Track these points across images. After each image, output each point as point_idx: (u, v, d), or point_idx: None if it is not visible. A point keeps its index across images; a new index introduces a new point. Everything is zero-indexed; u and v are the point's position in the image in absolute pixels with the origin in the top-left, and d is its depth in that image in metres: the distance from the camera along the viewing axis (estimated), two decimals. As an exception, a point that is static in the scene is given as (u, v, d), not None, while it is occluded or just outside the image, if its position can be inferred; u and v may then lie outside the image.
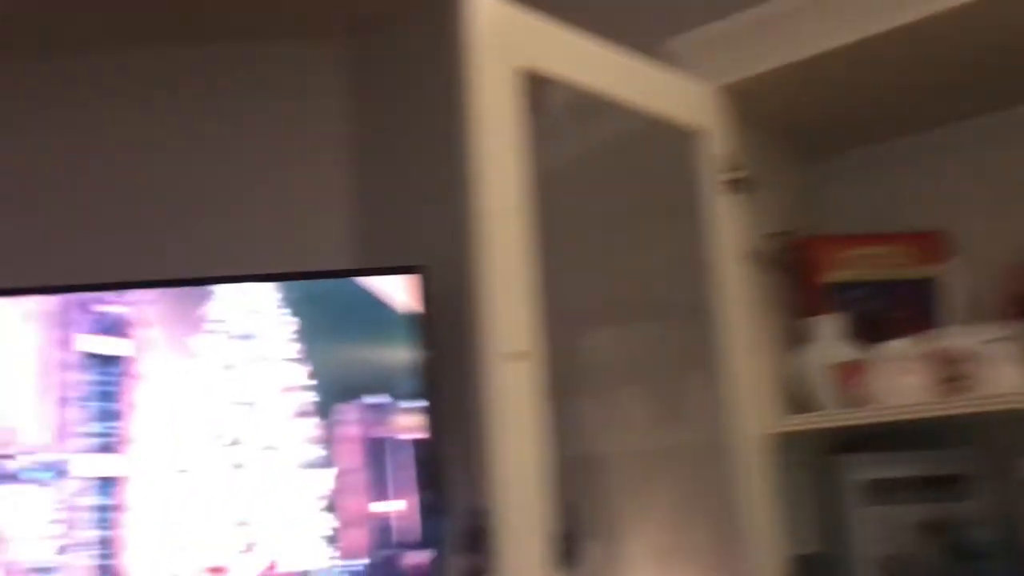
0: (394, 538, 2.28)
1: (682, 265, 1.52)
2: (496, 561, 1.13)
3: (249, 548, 2.24)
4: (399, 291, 2.39)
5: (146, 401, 2.33)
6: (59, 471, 2.30)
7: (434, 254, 2.45)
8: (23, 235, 2.64)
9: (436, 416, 2.34)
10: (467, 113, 1.13)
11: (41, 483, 2.29)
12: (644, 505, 1.76)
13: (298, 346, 2.35)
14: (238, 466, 2.29)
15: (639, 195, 1.56)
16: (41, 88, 2.80)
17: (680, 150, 1.51)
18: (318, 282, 2.42)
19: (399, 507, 2.30)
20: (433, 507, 2.31)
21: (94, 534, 2.26)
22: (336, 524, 2.27)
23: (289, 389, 2.33)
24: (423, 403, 2.32)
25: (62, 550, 2.25)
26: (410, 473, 2.31)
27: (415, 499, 2.30)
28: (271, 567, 2.23)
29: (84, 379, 2.34)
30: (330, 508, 2.27)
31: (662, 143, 1.50)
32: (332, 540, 2.25)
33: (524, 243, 1.16)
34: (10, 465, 2.29)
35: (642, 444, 1.65)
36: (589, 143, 1.53)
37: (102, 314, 2.38)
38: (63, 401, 2.34)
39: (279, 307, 2.38)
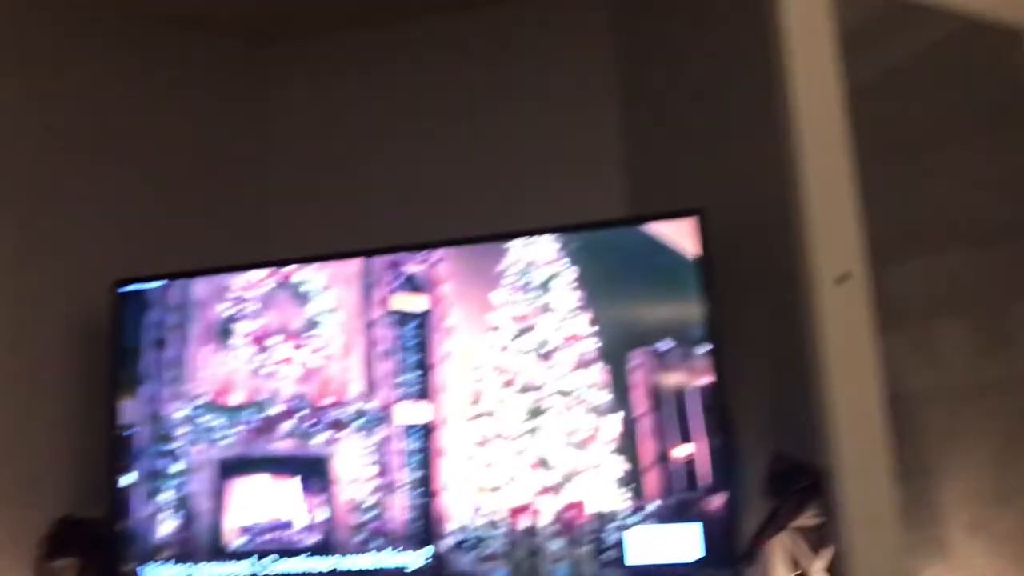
0: (686, 482, 2.29)
1: (1009, 182, 1.39)
2: (833, 503, 1.11)
3: (549, 490, 2.33)
4: (678, 235, 2.38)
5: (450, 353, 2.48)
6: (377, 419, 2.50)
7: (712, 196, 2.42)
8: (342, 202, 2.88)
9: (722, 359, 2.31)
10: (775, 32, 1.10)
11: (362, 430, 2.51)
12: (961, 445, 1.66)
13: (584, 296, 2.41)
14: (535, 412, 2.38)
15: (957, 106, 1.45)
16: (356, 56, 3.02)
17: (1003, 54, 1.37)
18: (599, 232, 2.46)
19: (690, 451, 2.30)
20: (724, 451, 2.29)
21: (410, 476, 2.45)
22: (628, 468, 2.31)
23: (577, 338, 2.39)
24: (709, 347, 2.31)
25: (382, 491, 2.46)
26: (699, 417, 2.31)
27: (706, 443, 2.29)
28: (570, 508, 2.32)
29: (396, 334, 2.54)
30: (622, 452, 2.32)
31: (983, 47, 1.37)
32: (626, 483, 2.30)
33: (844, 160, 1.11)
34: (337, 414, 2.53)
35: (960, 379, 1.55)
36: (902, 53, 1.43)
37: (409, 273, 2.56)
38: (379, 355, 2.54)
39: (563, 258, 2.44)
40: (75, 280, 2.72)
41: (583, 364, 2.36)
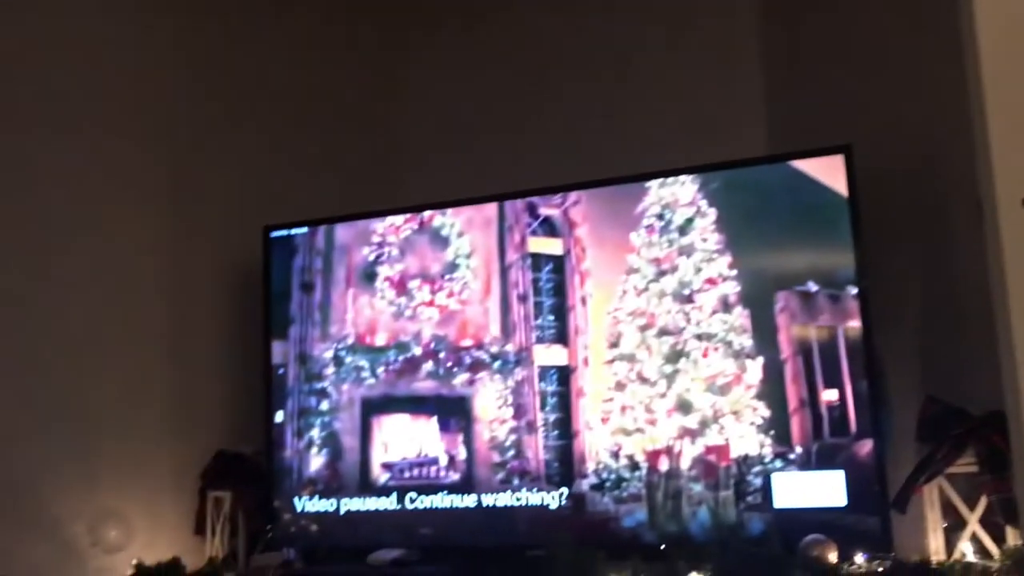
0: (832, 427, 2.21)
1: None
2: (1011, 449, 1.03)
3: (689, 433, 2.29)
4: (825, 173, 2.27)
5: (587, 295, 2.43)
6: (514, 361, 2.51)
7: (860, 132, 2.29)
8: (479, 147, 2.88)
9: (871, 302, 2.20)
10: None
11: (500, 372, 2.52)
12: None
13: (724, 237, 2.33)
14: (674, 355, 2.33)
15: None
16: (495, 2, 3.02)
17: None
18: (740, 170, 2.35)
19: (836, 396, 2.21)
20: (872, 396, 2.19)
21: (548, 418, 2.44)
22: (772, 412, 2.24)
23: (717, 280, 2.32)
24: (857, 289, 2.20)
25: (520, 431, 2.47)
26: (847, 362, 2.21)
27: (853, 388, 2.20)
28: (711, 451, 2.27)
29: (532, 278, 2.50)
30: (766, 396, 2.25)
31: None
32: (769, 428, 2.23)
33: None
34: (478, 355, 2.54)
35: None
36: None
37: (545, 216, 2.54)
38: (515, 298, 2.53)
39: (703, 199, 2.35)
40: (227, 227, 2.81)
41: (724, 307, 2.29)
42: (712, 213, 2.33)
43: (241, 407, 2.76)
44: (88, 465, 2.46)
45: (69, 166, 2.52)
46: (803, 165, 2.27)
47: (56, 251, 2.46)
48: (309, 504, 2.61)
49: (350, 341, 2.65)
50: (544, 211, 2.51)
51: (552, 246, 2.48)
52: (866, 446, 2.15)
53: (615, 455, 2.34)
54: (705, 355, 2.29)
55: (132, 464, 2.55)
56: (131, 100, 2.68)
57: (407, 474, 2.56)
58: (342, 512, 2.58)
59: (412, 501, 2.52)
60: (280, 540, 2.55)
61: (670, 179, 2.37)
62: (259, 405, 2.70)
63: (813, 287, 2.22)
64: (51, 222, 2.46)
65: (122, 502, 2.50)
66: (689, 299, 2.32)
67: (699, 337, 2.30)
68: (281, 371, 2.69)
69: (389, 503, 2.54)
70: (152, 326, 2.66)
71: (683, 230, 2.35)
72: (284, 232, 2.74)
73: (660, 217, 2.38)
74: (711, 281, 2.31)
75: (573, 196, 2.47)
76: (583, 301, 2.42)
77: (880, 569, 1.95)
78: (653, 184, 2.39)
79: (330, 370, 2.65)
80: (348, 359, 2.64)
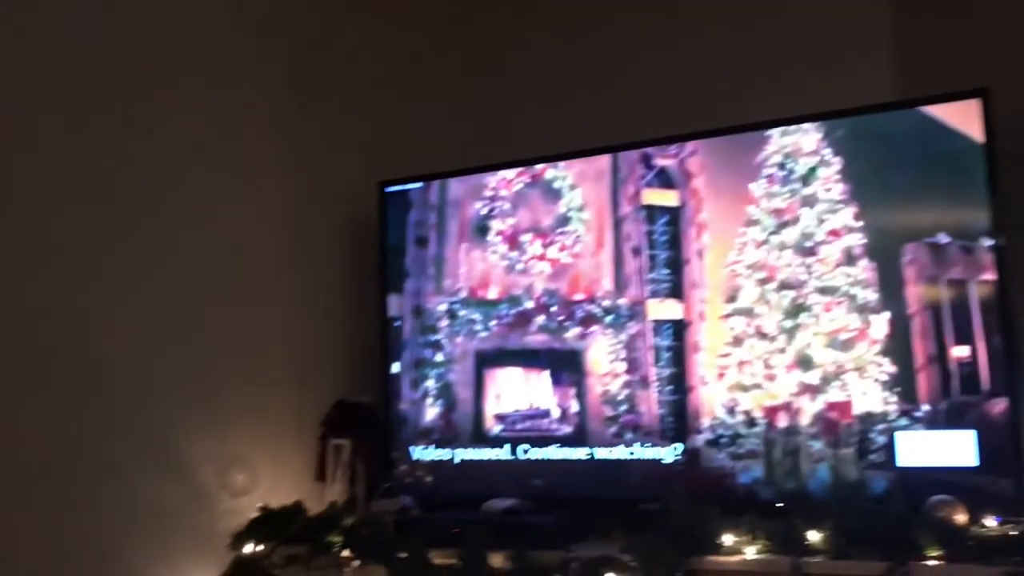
0: (962, 385, 2.11)
1: None
2: None
3: (810, 390, 2.23)
4: (958, 120, 2.15)
5: (704, 248, 2.37)
6: (628, 315, 2.47)
7: (996, 76, 2.15)
8: (592, 98, 2.84)
9: (1007, 255, 2.08)
10: None
11: (613, 326, 2.49)
12: None
13: (849, 187, 2.24)
14: (795, 309, 2.26)
15: None
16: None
17: None
18: (867, 117, 2.23)
19: (967, 353, 2.11)
20: (1007, 353, 2.08)
21: (662, 372, 2.40)
22: (898, 369, 2.16)
23: (842, 232, 2.24)
24: (992, 241, 2.08)
25: (634, 386, 2.45)
26: (979, 317, 2.10)
27: (985, 345, 2.09)
28: (832, 408, 2.20)
29: (646, 230, 2.45)
30: (891, 352, 2.17)
31: None
32: (895, 385, 2.15)
33: None
34: (590, 309, 2.52)
35: None
36: None
37: (660, 167, 2.48)
38: (629, 252, 2.49)
39: (827, 147, 2.25)
40: (344, 184, 2.85)
41: (848, 260, 2.21)
42: (837, 162, 2.24)
43: (359, 358, 2.81)
44: (216, 415, 2.55)
45: (191, 131, 2.58)
46: (935, 111, 2.15)
47: (181, 215, 2.52)
48: (424, 453, 2.66)
49: (463, 295, 2.66)
50: (659, 162, 2.45)
51: (667, 198, 2.43)
52: (999, 405, 2.04)
53: (731, 411, 2.29)
54: (827, 309, 2.21)
55: (257, 413, 2.63)
56: (249, 64, 2.72)
57: (519, 426, 2.57)
58: (456, 461, 2.61)
59: (525, 452, 2.53)
60: (397, 487, 2.61)
61: (792, 127, 2.28)
62: (376, 356, 2.75)
63: (944, 239, 2.12)
64: (177, 186, 2.52)
65: (248, 449, 2.59)
66: (811, 252, 2.24)
67: (821, 291, 2.22)
68: (397, 324, 2.74)
69: (502, 454, 2.56)
70: (273, 283, 2.72)
71: (806, 180, 2.26)
72: (399, 188, 2.77)
73: (781, 166, 2.29)
74: (835, 233, 2.23)
75: (690, 146, 2.41)
76: (699, 254, 2.37)
77: (1014, 532, 1.86)
78: (774, 132, 2.30)
79: (444, 323, 2.68)
80: (461, 312, 2.66)
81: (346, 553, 2.26)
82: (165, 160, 2.52)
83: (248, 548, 2.41)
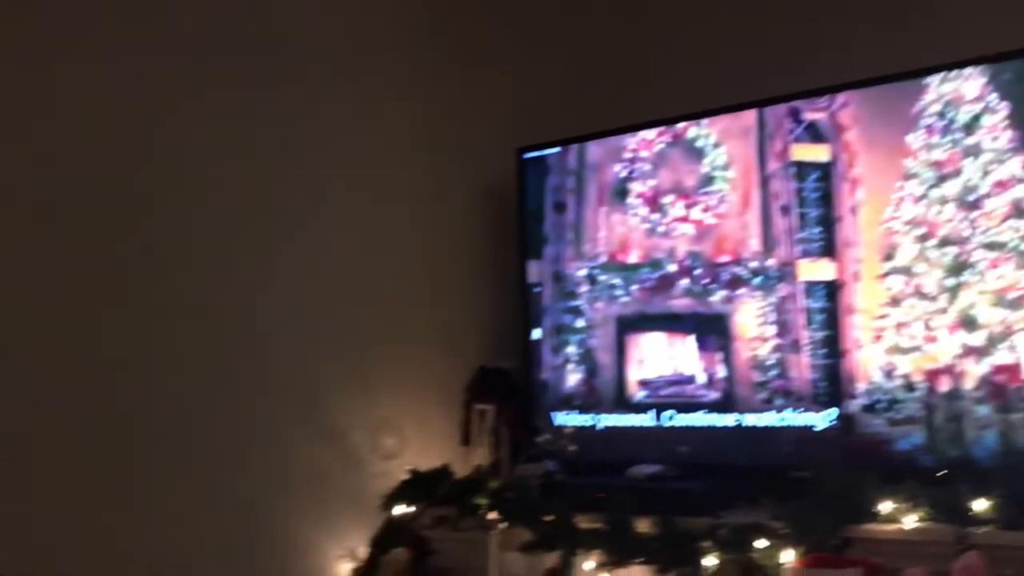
0: None
1: None
2: None
3: (974, 352, 2.11)
4: None
5: (858, 204, 2.26)
6: (777, 276, 2.40)
7: None
8: (734, 52, 2.75)
9: None
10: None
11: (761, 288, 2.42)
12: None
13: (1018, 135, 2.08)
14: (957, 267, 2.14)
15: None
16: None
17: None
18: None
19: None
20: None
21: (814, 335, 2.31)
22: (1073, 329, 2.01)
23: (1009, 183, 2.09)
24: None
25: (784, 350, 2.37)
26: None
27: None
28: (1000, 371, 2.07)
29: (795, 188, 2.36)
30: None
31: None
32: (1070, 346, 2.01)
33: None
34: (737, 271, 2.46)
35: None
36: None
37: (809, 121, 2.38)
38: (777, 211, 2.41)
39: (992, 93, 2.09)
40: (481, 151, 2.87)
41: (1017, 213, 2.06)
42: (1003, 108, 2.09)
43: (500, 325, 2.84)
44: (366, 383, 2.65)
45: (336, 107, 2.66)
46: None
47: (324, 188, 2.62)
48: (567, 419, 2.67)
49: (603, 259, 2.65)
50: (808, 116, 2.35)
51: (818, 153, 2.34)
52: None
53: (889, 375, 2.19)
54: (994, 266, 2.08)
55: (404, 380, 2.71)
56: (387, 35, 2.78)
57: (664, 392, 2.54)
58: (599, 427, 2.62)
59: (669, 419, 2.51)
60: (540, 452, 2.63)
61: (953, 73, 2.15)
62: (517, 323, 2.78)
63: None
64: (317, 161, 2.62)
65: (396, 414, 2.67)
66: (975, 205, 2.11)
67: (987, 247, 2.09)
68: (537, 290, 2.75)
69: (646, 420, 2.54)
70: (415, 253, 2.79)
71: (969, 129, 2.13)
72: (536, 153, 2.77)
73: (941, 116, 2.16)
74: (1002, 184, 2.08)
75: (841, 97, 2.30)
76: (853, 211, 2.27)
77: None
78: (933, 80, 2.17)
79: (584, 288, 2.67)
80: (602, 277, 2.65)
81: (492, 515, 2.31)
82: (317, 136, 2.62)
83: (398, 510, 2.50)
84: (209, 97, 2.42)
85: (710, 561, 1.96)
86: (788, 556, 1.88)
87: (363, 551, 2.52)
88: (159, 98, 2.34)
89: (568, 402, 2.68)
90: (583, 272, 2.67)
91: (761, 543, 1.92)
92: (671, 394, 2.53)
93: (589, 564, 2.11)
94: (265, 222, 2.50)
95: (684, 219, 2.52)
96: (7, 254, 2.12)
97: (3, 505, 2.05)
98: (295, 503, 2.48)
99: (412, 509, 2.50)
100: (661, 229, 2.56)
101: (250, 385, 2.43)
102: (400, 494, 2.52)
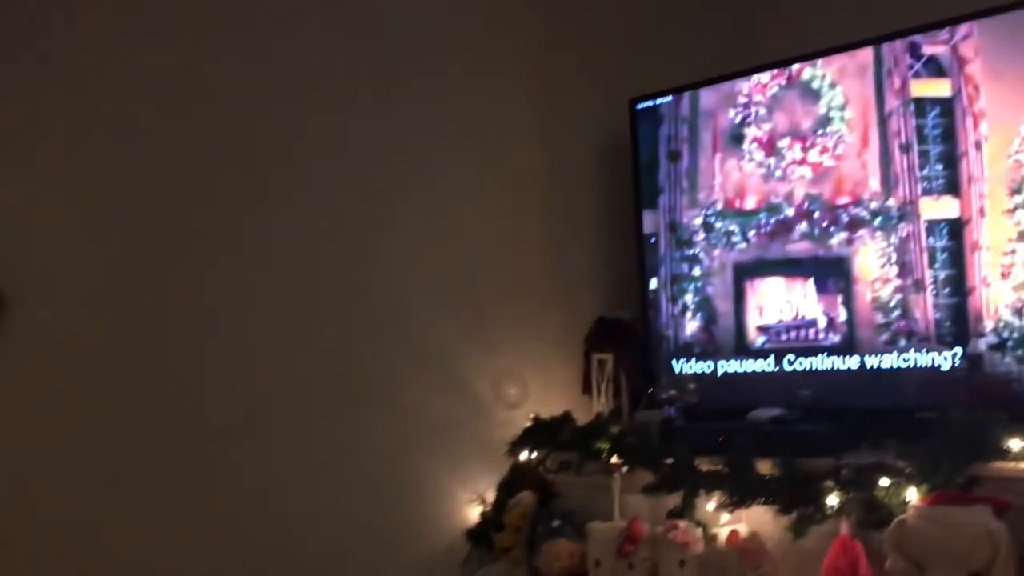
0: None
1: None
2: None
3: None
4: None
5: (983, 139, 2.20)
6: (898, 216, 2.37)
7: None
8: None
9: None
10: None
11: (882, 229, 2.39)
12: None
13: None
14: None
15: None
16: None
17: None
18: None
19: None
20: None
21: (937, 275, 2.28)
22: None
23: None
24: None
25: (906, 290, 2.34)
26: None
27: None
28: None
29: (916, 125, 2.32)
30: None
31: None
32: None
33: None
34: (857, 213, 2.43)
35: None
36: None
37: (929, 55, 2.32)
38: (897, 149, 2.38)
39: None
40: (595, 103, 2.91)
41: None
42: None
43: (617, 276, 2.89)
44: (489, 335, 2.75)
45: (448, 62, 2.75)
46: None
47: (443, 151, 2.73)
48: (687, 366, 2.71)
49: (719, 206, 2.66)
50: (928, 50, 2.30)
51: (939, 88, 2.28)
52: None
53: (1019, 312, 2.15)
54: None
55: (525, 332, 2.80)
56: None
57: (784, 336, 2.55)
58: (719, 374, 2.64)
59: (791, 363, 2.52)
60: (660, 400, 2.68)
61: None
62: (634, 273, 2.83)
63: None
64: (436, 126, 2.72)
65: (518, 365, 2.77)
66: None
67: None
68: (653, 240, 2.78)
69: (767, 365, 2.56)
70: (530, 208, 2.86)
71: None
72: (649, 103, 2.79)
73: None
74: None
75: (963, 29, 2.23)
76: (977, 146, 2.21)
77: None
78: (1063, 3, 2.10)
79: (700, 236, 2.69)
80: (718, 224, 2.66)
81: (614, 459, 2.38)
82: (437, 100, 2.72)
83: (523, 455, 2.61)
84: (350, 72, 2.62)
85: (833, 500, 1.98)
86: (912, 494, 1.88)
87: (491, 495, 2.65)
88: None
89: (687, 350, 2.71)
90: (699, 220, 2.69)
91: (885, 481, 1.93)
92: (791, 339, 2.54)
93: (710, 505, 2.16)
94: (400, 207, 2.69)
95: (801, 162, 2.51)
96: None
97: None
98: (428, 450, 2.64)
99: (536, 455, 2.60)
100: (778, 173, 2.55)
101: (386, 341, 2.63)
102: (524, 440, 2.62)
